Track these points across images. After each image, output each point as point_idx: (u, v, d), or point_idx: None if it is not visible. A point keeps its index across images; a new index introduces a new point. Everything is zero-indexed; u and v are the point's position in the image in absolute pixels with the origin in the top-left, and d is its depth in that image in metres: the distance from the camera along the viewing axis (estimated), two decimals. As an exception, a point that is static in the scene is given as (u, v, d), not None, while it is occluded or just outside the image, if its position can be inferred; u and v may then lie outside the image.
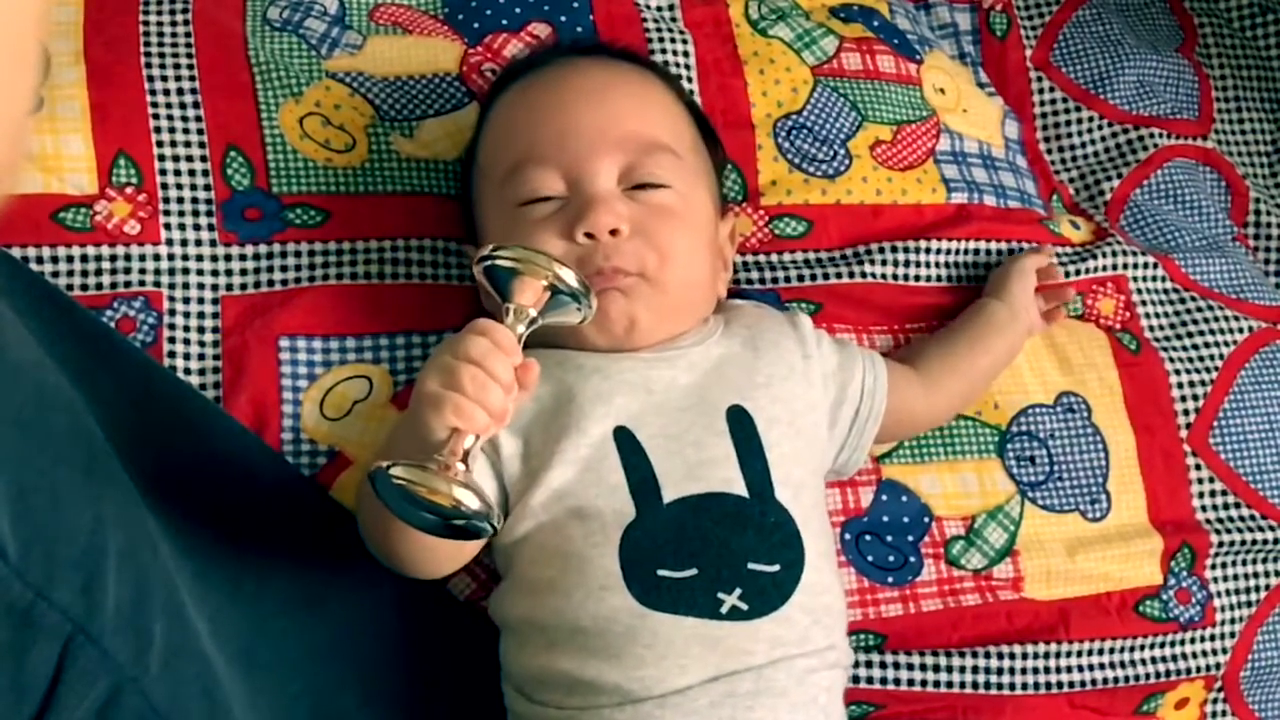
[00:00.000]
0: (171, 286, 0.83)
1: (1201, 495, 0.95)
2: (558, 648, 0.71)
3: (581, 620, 0.71)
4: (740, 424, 0.75)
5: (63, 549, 0.61)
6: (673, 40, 0.97)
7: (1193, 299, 1.02)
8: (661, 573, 0.71)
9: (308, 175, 0.87)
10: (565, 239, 0.76)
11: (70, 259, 0.81)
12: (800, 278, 0.93)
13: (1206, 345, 0.99)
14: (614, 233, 0.76)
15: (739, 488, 0.73)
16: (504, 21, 0.96)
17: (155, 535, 0.70)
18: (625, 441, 0.74)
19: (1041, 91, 1.11)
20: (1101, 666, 0.88)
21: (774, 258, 0.94)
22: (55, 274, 0.81)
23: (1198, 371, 0.98)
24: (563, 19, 0.96)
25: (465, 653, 0.79)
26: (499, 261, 0.64)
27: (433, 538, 0.65)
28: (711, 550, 0.72)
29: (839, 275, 0.93)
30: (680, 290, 0.78)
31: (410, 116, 0.91)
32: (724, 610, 0.71)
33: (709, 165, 0.85)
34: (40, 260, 0.81)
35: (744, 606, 0.71)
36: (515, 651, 0.75)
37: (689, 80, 0.96)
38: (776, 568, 0.73)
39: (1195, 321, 1.00)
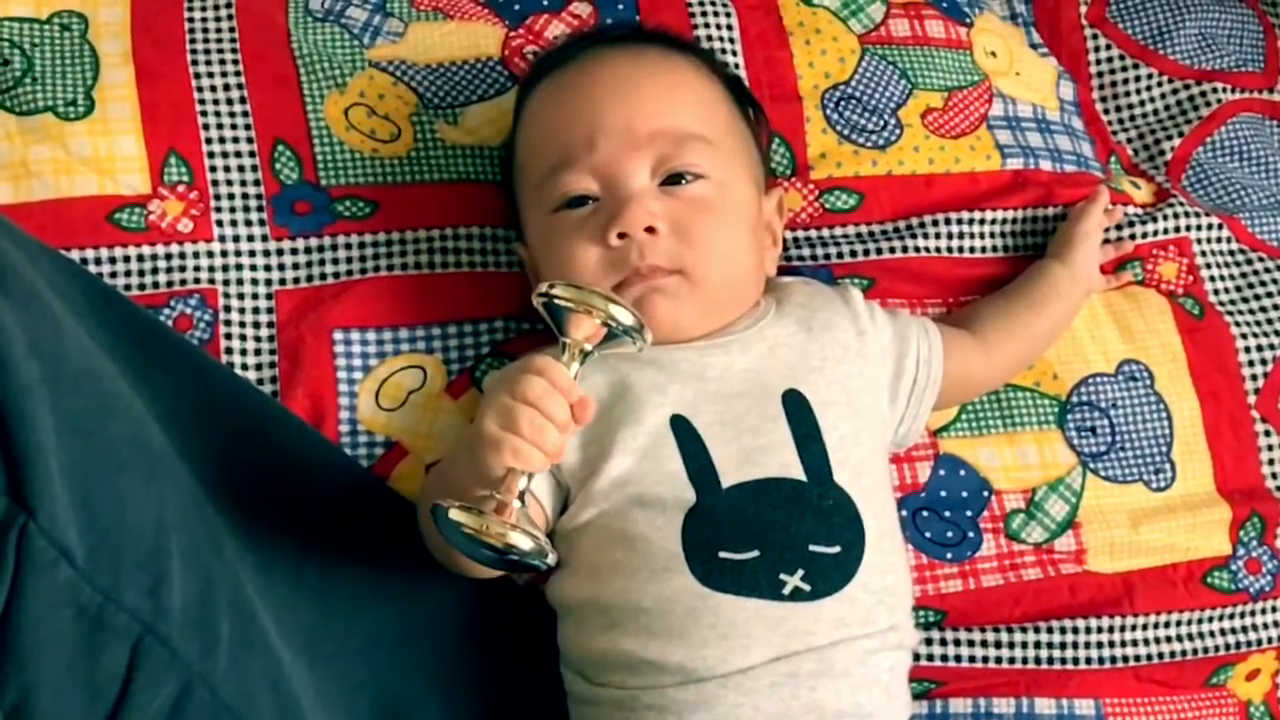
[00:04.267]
0: (226, 283, 0.84)
1: (1272, 462, 0.93)
2: (620, 628, 0.72)
3: (644, 601, 0.71)
4: (796, 408, 0.75)
5: (128, 553, 0.63)
6: (715, 14, 0.96)
7: (1260, 259, 0.99)
8: (723, 555, 0.71)
9: (355, 167, 0.88)
10: (600, 244, 0.76)
11: (127, 259, 0.83)
12: (853, 253, 0.91)
13: (1276, 307, 0.97)
14: (651, 231, 0.75)
15: (796, 472, 0.73)
16: (545, 2, 0.95)
17: (219, 533, 0.71)
18: (682, 430, 0.74)
19: (1097, 49, 1.08)
20: (1169, 639, 0.87)
21: (825, 233, 0.92)
22: (112, 274, 0.82)
23: (1266, 335, 0.95)
24: (604, -4, 0.95)
25: (525, 638, 0.80)
26: (555, 300, 0.65)
27: None
28: (772, 533, 0.72)
29: (892, 250, 0.91)
30: (722, 285, 0.78)
31: (454, 103, 0.91)
32: (786, 591, 0.71)
33: (749, 143, 0.84)
34: (98, 262, 0.82)
35: (806, 587, 0.71)
36: (575, 634, 0.75)
37: (733, 54, 0.95)
38: (837, 549, 0.72)
39: (1264, 283, 0.98)
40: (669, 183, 0.77)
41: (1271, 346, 0.95)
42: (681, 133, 0.77)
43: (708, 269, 0.76)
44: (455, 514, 0.62)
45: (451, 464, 0.73)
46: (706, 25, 0.95)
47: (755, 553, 0.71)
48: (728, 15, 0.96)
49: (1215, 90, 1.06)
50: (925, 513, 0.87)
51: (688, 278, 0.76)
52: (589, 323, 0.65)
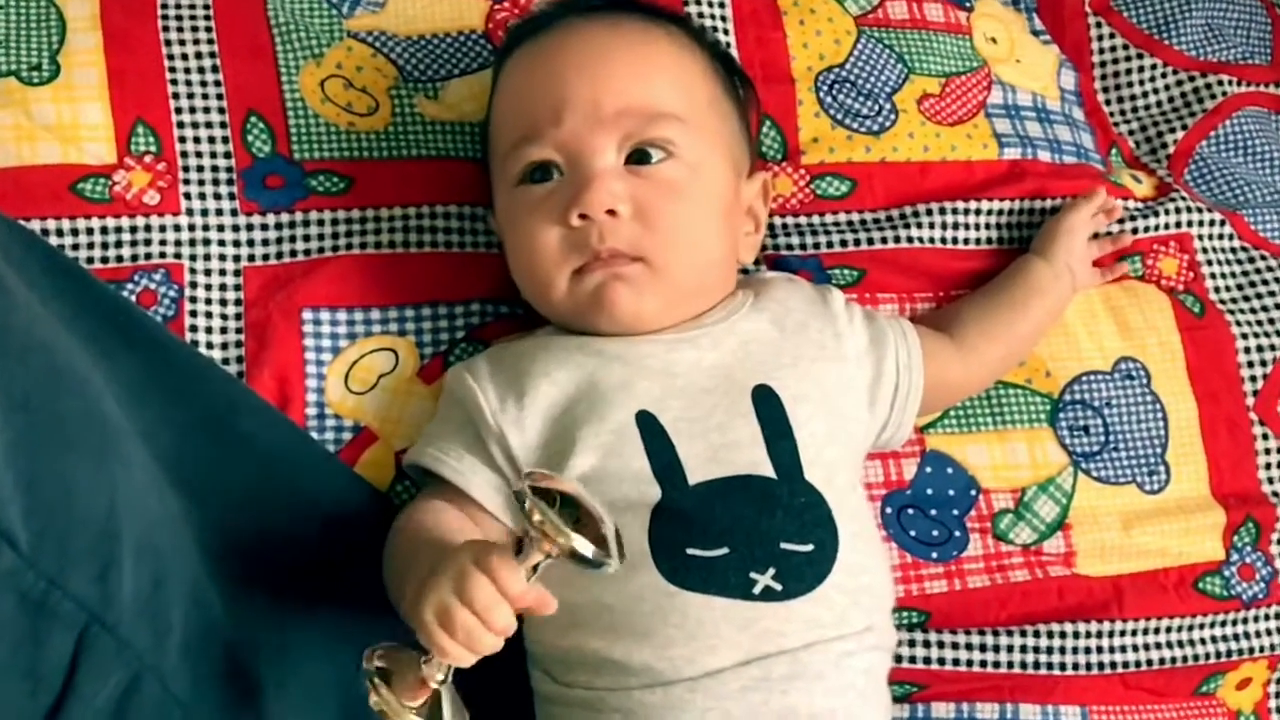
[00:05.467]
0: (193, 258, 0.81)
1: (1269, 466, 0.90)
2: (585, 627, 0.70)
3: (608, 598, 0.69)
4: (766, 404, 0.72)
5: (76, 537, 0.60)
6: (708, -10, 0.93)
7: (1262, 258, 0.96)
8: (691, 551, 0.69)
9: (330, 140, 0.85)
10: (561, 224, 0.73)
11: (90, 231, 0.80)
12: (843, 242, 0.89)
13: (1278, 306, 0.94)
14: (612, 213, 0.72)
15: (765, 469, 0.71)
16: (531, -26, 0.92)
17: (177, 518, 0.69)
18: (648, 426, 0.71)
19: (1101, 38, 1.05)
20: (1158, 646, 0.85)
21: (815, 220, 0.90)
22: (74, 247, 0.79)
23: (1267, 335, 0.93)
24: (592, -30, 0.92)
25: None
26: (523, 505, 0.58)
27: None
28: (741, 530, 0.69)
29: (884, 240, 0.89)
30: (688, 273, 0.75)
31: (435, 77, 0.88)
32: (757, 590, 0.68)
33: (731, 122, 0.80)
34: (59, 233, 0.79)
35: (778, 587, 0.69)
36: (540, 631, 0.73)
37: (725, 33, 0.92)
38: (810, 547, 0.70)
39: (1265, 282, 0.95)
40: (636, 161, 0.74)
41: (1272, 348, 0.93)
42: (652, 110, 0.74)
43: (670, 256, 0.73)
44: (374, 698, 0.59)
45: (408, 569, 0.67)
46: (698, 2, 0.92)
47: (725, 550, 0.69)
48: (721, -9, 0.93)
49: (1221, 83, 1.03)
50: (910, 510, 0.85)
51: (650, 265, 0.73)
52: (551, 542, 0.58)
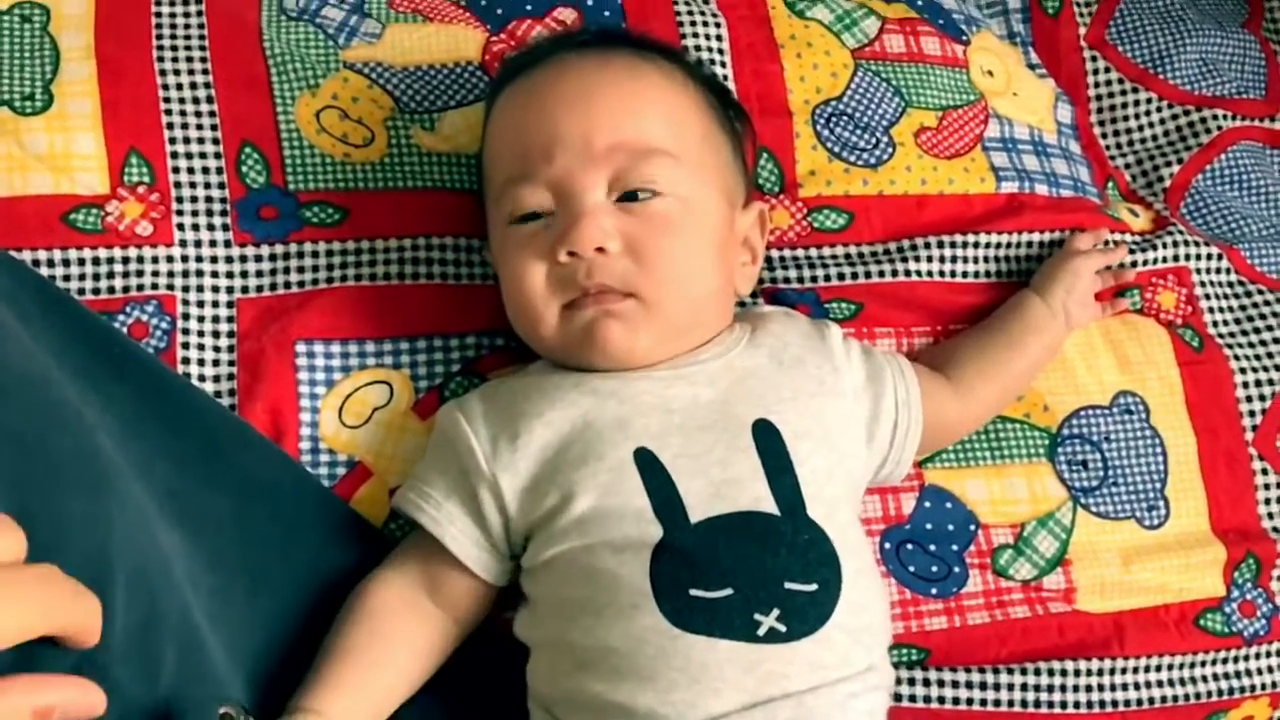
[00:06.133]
0: (185, 289, 0.80)
1: (1269, 502, 0.90)
2: (588, 669, 0.68)
3: (612, 639, 0.68)
4: (767, 438, 0.71)
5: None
6: (705, 24, 0.93)
7: (1259, 292, 0.96)
8: (694, 593, 0.68)
9: (325, 171, 0.84)
10: (549, 261, 0.73)
11: (81, 262, 0.79)
12: (840, 276, 0.88)
13: (1276, 341, 0.94)
14: (601, 251, 0.72)
15: (768, 505, 0.70)
16: (528, 7, 0.92)
17: (169, 553, 0.67)
18: (647, 464, 0.70)
19: (1096, 72, 1.05)
20: (1159, 684, 0.84)
21: (812, 253, 0.89)
22: (66, 278, 0.78)
23: (1265, 370, 0.93)
24: (589, 2, 0.92)
25: (492, 671, 0.76)
26: None
27: None
28: (746, 570, 0.68)
29: (881, 273, 0.88)
30: (682, 308, 0.74)
31: (431, 108, 0.88)
32: (761, 632, 0.67)
33: (724, 155, 0.79)
34: (50, 264, 0.78)
35: (782, 628, 0.67)
36: (544, 672, 0.72)
37: (722, 65, 0.92)
38: (814, 587, 0.69)
39: (1263, 316, 0.95)
40: (627, 199, 0.73)
41: (1270, 382, 0.92)
42: (643, 146, 0.74)
43: (663, 291, 0.73)
44: None
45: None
46: (695, 35, 0.92)
47: (728, 591, 0.67)
48: (717, 25, 0.93)
49: (1216, 117, 1.04)
50: (909, 545, 0.84)
51: (643, 301, 0.72)
52: None
